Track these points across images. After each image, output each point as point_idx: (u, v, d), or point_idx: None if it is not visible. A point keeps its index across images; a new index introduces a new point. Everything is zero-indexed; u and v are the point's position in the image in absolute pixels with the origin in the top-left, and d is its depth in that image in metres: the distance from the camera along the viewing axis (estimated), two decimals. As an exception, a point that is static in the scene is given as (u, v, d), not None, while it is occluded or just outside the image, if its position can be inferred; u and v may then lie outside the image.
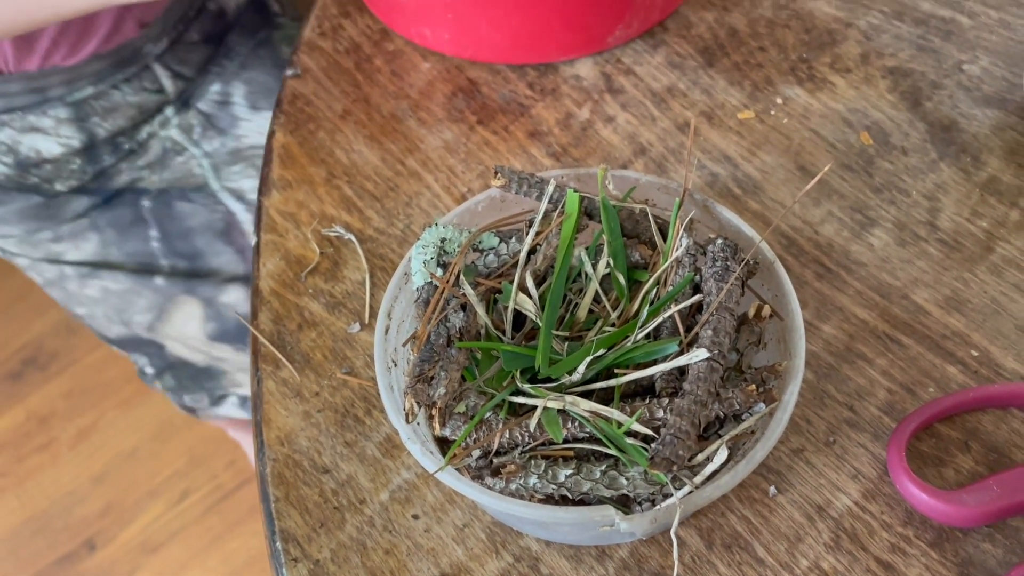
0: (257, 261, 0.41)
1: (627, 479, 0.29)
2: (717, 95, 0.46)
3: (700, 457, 0.29)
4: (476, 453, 0.30)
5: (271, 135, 0.46)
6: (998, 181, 0.41)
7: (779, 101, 0.45)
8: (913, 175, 0.41)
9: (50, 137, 0.59)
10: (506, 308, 0.33)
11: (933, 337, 0.36)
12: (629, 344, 0.32)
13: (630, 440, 0.29)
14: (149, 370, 0.78)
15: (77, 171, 0.61)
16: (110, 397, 1.36)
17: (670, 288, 0.33)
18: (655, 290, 0.33)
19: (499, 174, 0.35)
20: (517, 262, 0.34)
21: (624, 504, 0.30)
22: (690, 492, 0.29)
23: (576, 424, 0.30)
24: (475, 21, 0.44)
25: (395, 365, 0.33)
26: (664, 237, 0.35)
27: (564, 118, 0.45)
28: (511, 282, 0.33)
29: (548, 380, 0.31)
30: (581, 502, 0.30)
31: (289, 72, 0.49)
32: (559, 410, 0.30)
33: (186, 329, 0.69)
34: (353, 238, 0.42)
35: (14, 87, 0.56)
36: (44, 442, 1.33)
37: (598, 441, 0.30)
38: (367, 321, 0.39)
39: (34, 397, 1.38)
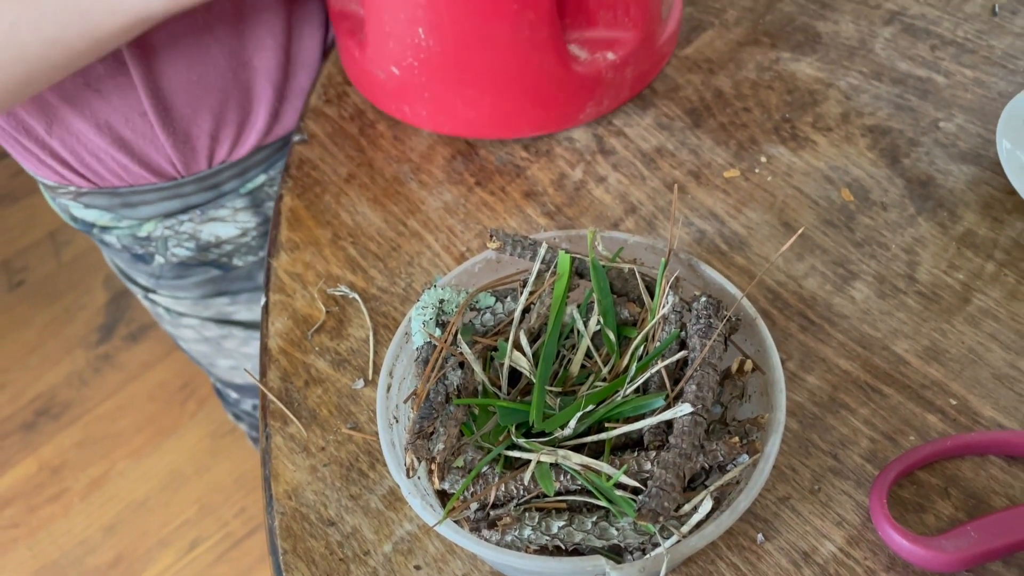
0: (266, 320, 0.43)
1: (617, 530, 0.31)
2: (704, 154, 0.48)
3: (686, 507, 0.31)
4: (474, 506, 0.32)
5: (279, 198, 0.48)
6: (974, 234, 0.43)
7: (763, 159, 0.47)
8: (892, 230, 0.43)
9: (228, 223, 0.62)
10: (502, 365, 0.35)
11: (913, 387, 0.38)
12: (618, 399, 0.33)
13: (619, 492, 0.31)
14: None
15: (255, 247, 0.64)
16: (121, 447, 1.38)
17: (657, 344, 0.34)
18: (643, 346, 0.35)
19: (494, 237, 0.37)
20: (512, 321, 0.36)
21: (616, 554, 0.32)
22: (677, 542, 0.30)
23: (568, 477, 0.31)
24: (450, 100, 0.46)
25: (396, 421, 0.34)
26: (651, 295, 0.36)
27: (558, 178, 0.48)
28: (506, 340, 0.35)
29: (542, 434, 0.33)
30: (575, 552, 0.32)
31: (296, 138, 0.51)
32: (552, 464, 0.32)
33: None
34: (357, 297, 0.44)
35: (189, 189, 0.59)
36: (56, 492, 1.34)
37: (589, 493, 0.32)
38: (371, 377, 0.41)
39: (47, 447, 1.40)
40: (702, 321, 0.34)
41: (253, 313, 0.71)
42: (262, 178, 0.60)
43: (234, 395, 0.84)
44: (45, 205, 1.70)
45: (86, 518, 1.32)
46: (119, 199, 0.58)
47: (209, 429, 1.38)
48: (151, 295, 0.70)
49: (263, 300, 0.44)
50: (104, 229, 0.61)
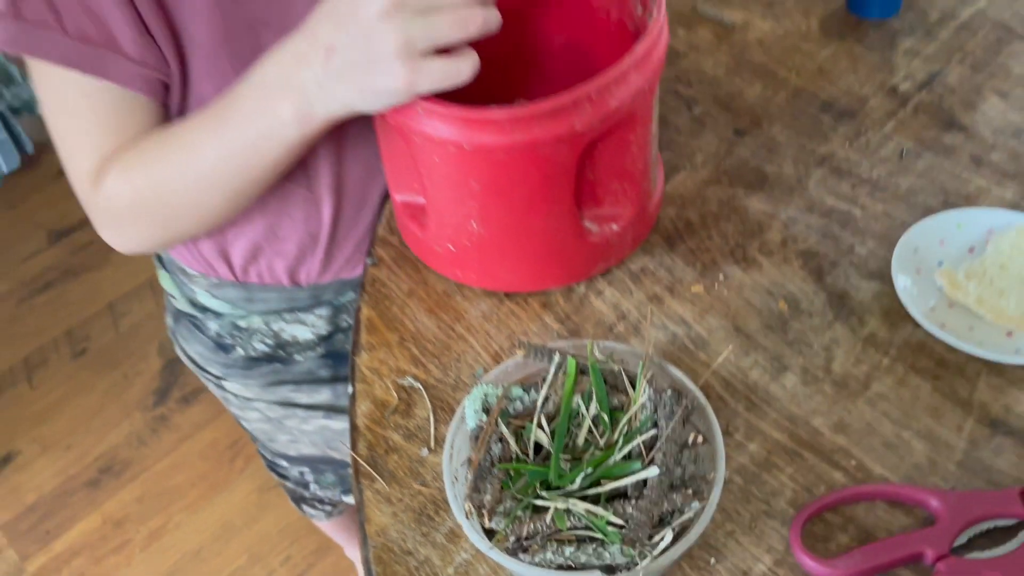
0: (353, 405, 0.58)
1: (610, 553, 0.45)
2: (676, 272, 0.63)
3: (656, 538, 0.45)
4: (512, 538, 0.47)
5: (358, 309, 0.64)
6: (875, 336, 0.58)
7: (722, 277, 0.62)
8: (815, 332, 0.58)
9: (307, 327, 0.77)
10: (529, 439, 0.50)
11: (825, 452, 0.53)
12: (610, 463, 0.48)
13: (611, 528, 0.45)
14: (310, 477, 0.94)
15: (315, 346, 0.79)
16: (177, 501, 1.53)
17: (637, 424, 0.49)
18: (627, 425, 0.50)
19: (521, 347, 0.53)
20: (536, 407, 0.51)
21: (610, 571, 0.46)
22: (650, 561, 0.45)
23: (576, 517, 0.46)
24: (494, 268, 0.61)
25: (456, 480, 0.49)
26: (633, 388, 0.51)
27: (567, 292, 0.63)
28: (532, 421, 0.50)
29: (558, 488, 0.48)
30: (582, 568, 0.46)
31: (368, 261, 0.67)
32: (565, 509, 0.46)
33: None
34: (420, 386, 0.59)
35: (303, 295, 0.75)
36: (119, 544, 1.49)
37: (590, 528, 0.46)
38: (433, 447, 0.56)
39: (110, 503, 1.54)
40: (668, 408, 0.49)
41: (313, 398, 0.85)
42: (351, 296, 0.76)
43: (284, 463, 0.96)
44: (106, 279, 1.88)
45: (147, 568, 1.46)
46: (246, 293, 0.74)
47: (256, 484, 1.53)
48: (222, 383, 0.84)
49: (350, 390, 0.59)
50: (216, 315, 0.77)
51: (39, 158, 2.20)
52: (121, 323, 1.81)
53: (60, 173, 2.24)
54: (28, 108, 2.23)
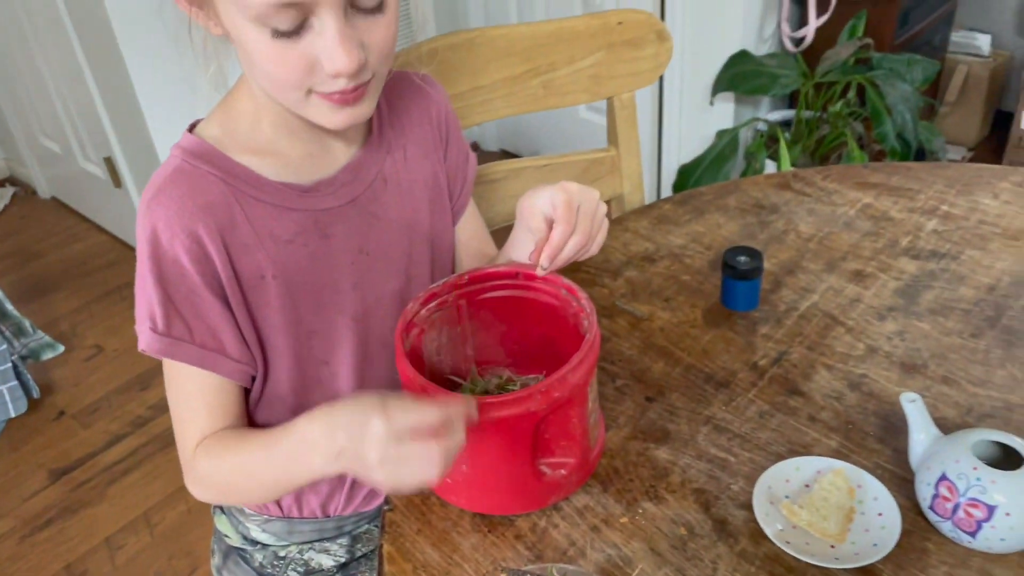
0: (383, 619, 0.81)
1: None
2: (609, 508, 0.89)
3: None
4: None
5: (380, 546, 0.88)
6: (745, 551, 0.83)
7: (641, 511, 0.88)
8: (705, 550, 0.84)
9: (331, 555, 1.00)
10: (512, 637, 0.73)
11: (714, 636, 0.76)
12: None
13: None
14: None
15: (332, 572, 1.01)
16: None
17: (585, 622, 0.73)
18: (578, 623, 0.73)
19: (503, 571, 0.77)
20: (515, 614, 0.75)
21: None
22: None
23: None
24: (476, 496, 0.87)
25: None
26: (581, 596, 0.76)
27: (532, 526, 0.88)
28: (513, 624, 0.73)
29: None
30: None
31: (386, 507, 0.92)
32: None
33: None
34: (430, 602, 0.82)
35: (330, 525, 0.98)
36: None
37: None
38: (442, 648, 0.78)
39: None
40: (604, 609, 0.73)
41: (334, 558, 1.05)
42: (366, 526, 0.99)
43: None
44: (102, 514, 2.04)
45: None
46: (289, 526, 0.98)
47: None
48: None
49: (379, 607, 0.82)
50: (263, 547, 0.99)
51: (41, 401, 2.41)
52: (117, 557, 1.95)
53: (60, 414, 2.46)
54: (34, 356, 2.47)
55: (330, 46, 0.76)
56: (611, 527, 0.87)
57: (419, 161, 1.00)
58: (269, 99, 0.85)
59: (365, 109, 0.84)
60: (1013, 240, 1.19)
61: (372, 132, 0.97)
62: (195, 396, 0.87)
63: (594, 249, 0.92)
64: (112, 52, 2.36)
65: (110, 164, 2.84)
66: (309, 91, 0.80)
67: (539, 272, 0.91)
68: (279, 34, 0.75)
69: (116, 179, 2.87)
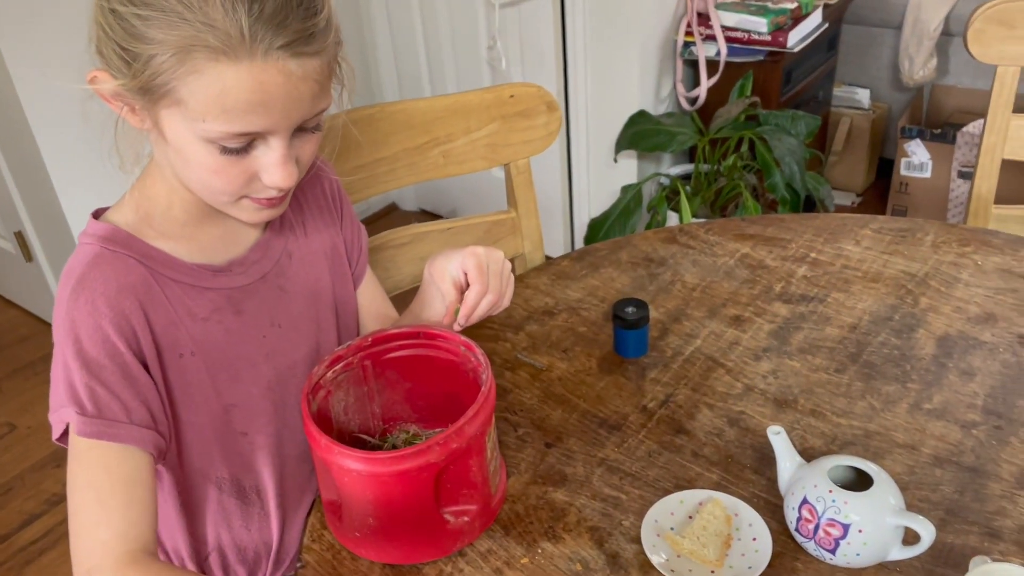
0: (296, 671, 0.84)
1: None
2: (511, 550, 0.95)
3: None
4: None
5: (293, 601, 0.91)
6: (635, 581, 0.90)
7: (540, 551, 0.94)
8: (599, 583, 0.90)
9: None
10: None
11: (607, 662, 0.82)
12: None
13: None
14: None
15: None
16: None
17: (485, 657, 0.78)
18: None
19: (409, 615, 0.82)
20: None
21: None
22: None
23: None
24: (385, 547, 0.92)
25: None
26: (482, 634, 0.81)
27: (438, 573, 0.93)
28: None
29: None
30: None
31: (298, 564, 0.95)
32: None
33: None
34: (341, 652, 0.86)
35: None
36: None
37: None
38: None
39: None
40: (502, 644, 0.79)
41: None
42: None
43: None
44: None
45: None
46: None
47: None
48: None
49: (292, 660, 0.85)
50: None
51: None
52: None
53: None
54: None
55: (273, 164, 0.83)
56: (513, 568, 0.93)
57: (319, 233, 1.06)
58: (184, 189, 0.91)
59: (284, 207, 0.92)
60: (872, 282, 1.32)
61: None
62: (117, 489, 0.81)
63: (505, 303, 1.01)
64: (20, 125, 2.36)
65: (20, 238, 2.81)
66: (242, 197, 0.87)
67: (455, 329, 0.98)
68: (227, 151, 0.81)
69: (27, 253, 2.84)
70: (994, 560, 0.85)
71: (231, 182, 0.84)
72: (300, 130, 0.85)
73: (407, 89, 3.26)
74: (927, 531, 0.84)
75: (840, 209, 3.28)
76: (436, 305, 1.06)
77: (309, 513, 1.03)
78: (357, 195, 1.33)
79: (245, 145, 0.82)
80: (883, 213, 3.26)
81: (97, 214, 0.93)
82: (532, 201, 1.47)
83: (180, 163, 0.86)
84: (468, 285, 0.99)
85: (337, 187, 1.11)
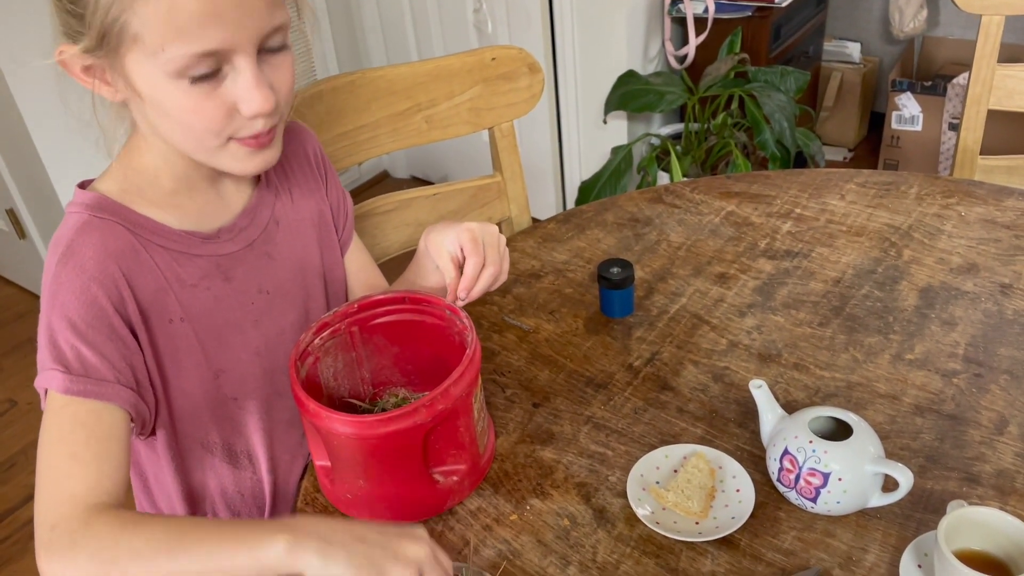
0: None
1: None
2: (500, 508, 0.97)
3: None
4: None
5: (288, 562, 0.93)
6: (622, 535, 0.92)
7: (528, 508, 0.96)
8: (586, 536, 0.92)
9: None
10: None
11: (594, 612, 0.85)
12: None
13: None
14: None
15: None
16: None
17: (474, 610, 0.81)
18: (468, 612, 0.81)
19: None
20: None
21: None
22: None
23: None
24: (378, 507, 0.94)
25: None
26: (471, 588, 0.83)
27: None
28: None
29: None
30: None
31: (293, 527, 0.97)
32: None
33: None
34: (336, 609, 0.88)
35: None
36: None
37: None
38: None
39: None
40: (491, 597, 0.81)
41: None
42: None
43: None
44: (24, 571, 2.02)
45: None
46: None
47: None
48: None
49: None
50: None
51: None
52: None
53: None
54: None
55: (247, 89, 0.82)
56: (502, 525, 0.95)
57: (305, 200, 1.07)
58: (171, 155, 0.91)
59: (275, 152, 0.92)
60: (856, 236, 1.33)
61: (261, 179, 1.04)
62: (92, 444, 0.80)
63: (503, 277, 1.01)
64: (7, 101, 2.35)
65: (12, 216, 2.80)
66: (228, 139, 0.86)
67: (458, 304, 0.99)
68: (197, 79, 0.81)
69: (20, 230, 2.84)
70: (971, 504, 0.87)
71: (211, 118, 0.84)
72: (266, 52, 0.85)
73: (394, 54, 3.23)
74: (905, 477, 0.86)
75: (832, 165, 3.27)
76: (432, 277, 1.07)
77: (302, 477, 1.05)
78: (340, 163, 1.33)
79: (213, 71, 0.81)
80: (875, 167, 3.26)
81: (83, 185, 0.94)
82: (517, 164, 1.48)
83: (160, 117, 0.86)
84: (464, 260, 0.99)
85: (320, 151, 1.11)
